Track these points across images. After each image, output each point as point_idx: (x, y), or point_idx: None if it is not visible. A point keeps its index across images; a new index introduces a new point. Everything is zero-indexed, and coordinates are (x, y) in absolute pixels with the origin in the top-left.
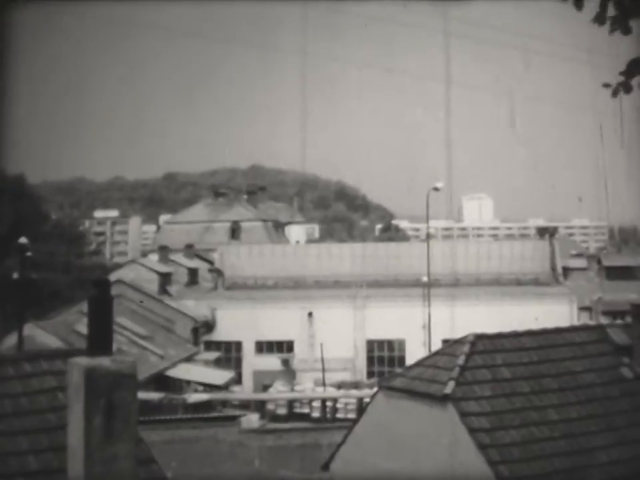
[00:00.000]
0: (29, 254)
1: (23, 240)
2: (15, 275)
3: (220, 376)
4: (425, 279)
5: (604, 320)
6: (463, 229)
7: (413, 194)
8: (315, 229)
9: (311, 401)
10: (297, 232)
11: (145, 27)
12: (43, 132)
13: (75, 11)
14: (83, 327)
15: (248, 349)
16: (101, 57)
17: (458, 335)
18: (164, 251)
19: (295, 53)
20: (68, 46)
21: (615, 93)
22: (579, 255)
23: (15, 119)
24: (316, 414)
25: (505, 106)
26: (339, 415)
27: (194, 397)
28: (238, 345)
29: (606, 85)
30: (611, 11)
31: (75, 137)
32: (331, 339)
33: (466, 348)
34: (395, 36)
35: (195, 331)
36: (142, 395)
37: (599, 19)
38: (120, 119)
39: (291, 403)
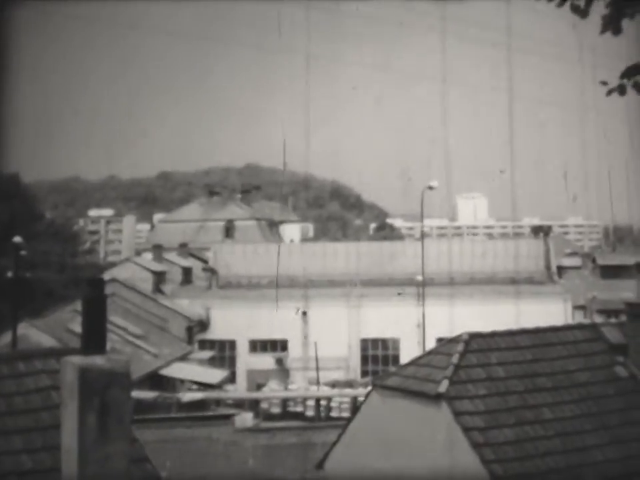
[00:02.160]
0: (23, 253)
1: (17, 239)
2: (9, 274)
3: (214, 375)
4: (419, 277)
5: (598, 319)
6: (458, 227)
7: (407, 193)
8: (310, 228)
9: (304, 399)
10: (291, 231)
11: (143, 27)
12: (38, 131)
13: (71, 10)
14: (77, 326)
15: (242, 348)
16: (97, 57)
17: (452, 333)
18: (158, 249)
19: (293, 52)
20: (63, 45)
21: (609, 94)
22: (573, 254)
23: (10, 118)
24: (310, 413)
25: (501, 105)
26: (333, 414)
27: (188, 396)
28: (232, 344)
29: (603, 83)
30: (602, 10)
31: (70, 135)
32: (325, 337)
33: (460, 347)
34: (393, 36)
35: (189, 330)
36: (136, 393)
37: (583, 12)
38: (115, 117)
39: (284, 402)
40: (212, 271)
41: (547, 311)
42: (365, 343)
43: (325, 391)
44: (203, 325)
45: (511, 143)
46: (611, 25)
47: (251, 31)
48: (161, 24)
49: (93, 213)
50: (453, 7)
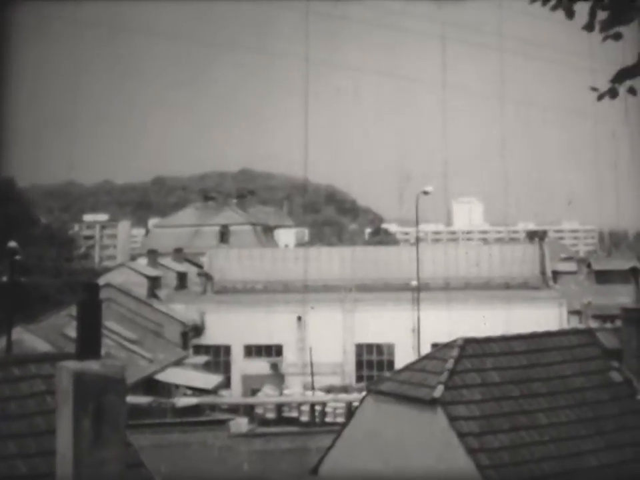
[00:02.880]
0: (18, 258)
1: (12, 244)
2: (4, 279)
3: (209, 380)
4: (414, 282)
5: (593, 324)
6: (453, 232)
7: (403, 197)
8: (305, 233)
9: (299, 405)
10: (286, 236)
11: (140, 31)
12: (33, 135)
13: (68, 14)
14: (72, 331)
15: (237, 353)
16: (94, 61)
17: (447, 338)
18: (153, 254)
19: (291, 56)
20: (60, 50)
21: (600, 98)
22: (568, 259)
23: (6, 122)
24: (305, 418)
25: (497, 110)
26: (328, 419)
27: (183, 401)
28: (227, 349)
29: (593, 89)
30: (602, 15)
31: (65, 140)
32: (320, 343)
33: (455, 352)
34: (392, 41)
35: (184, 335)
36: (131, 398)
37: (589, 26)
38: (110, 122)
39: (279, 407)
40: (207, 276)
41: (542, 316)
42: (359, 348)
43: (320, 396)
44: (198, 330)
45: (502, 147)
46: (609, 30)
47: (249, 34)
48: (158, 27)
49: (87, 217)
50: (453, 12)
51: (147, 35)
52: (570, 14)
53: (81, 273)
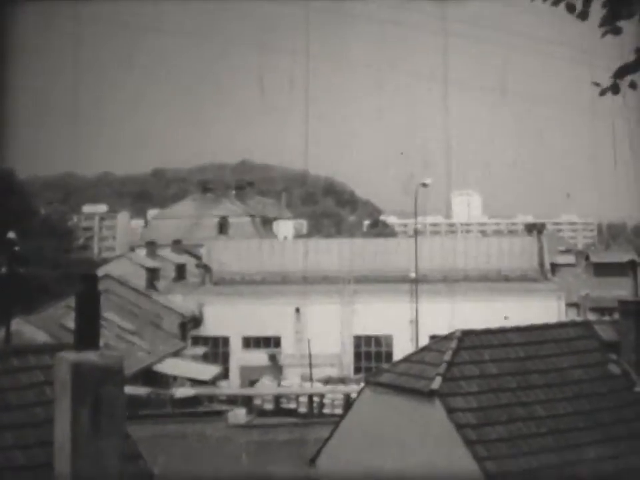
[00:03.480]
0: (17, 249)
1: (11, 235)
2: (3, 270)
3: (207, 371)
4: (412, 274)
5: (591, 316)
6: (451, 225)
7: (403, 189)
8: (303, 225)
9: (297, 396)
10: (284, 227)
11: (140, 25)
12: (33, 127)
13: (69, 10)
14: (70, 322)
15: (235, 344)
16: (94, 55)
17: (445, 330)
18: (152, 246)
19: (293, 50)
20: (61, 44)
21: (602, 93)
22: (567, 251)
23: (6, 115)
24: (303, 409)
25: (498, 103)
26: (326, 411)
27: (181, 392)
28: (225, 340)
29: (595, 84)
30: (597, 5)
31: (65, 132)
32: (318, 334)
33: (453, 344)
34: (394, 35)
35: (183, 326)
36: (129, 389)
37: (582, 14)
38: (110, 114)
39: (277, 399)
40: (205, 268)
41: (541, 309)
42: (358, 339)
43: (318, 387)
44: (197, 321)
45: (502, 141)
46: (608, 25)
47: (250, 29)
48: (158, 23)
49: (87, 209)
50: (455, 7)
51: (147, 30)
52: (571, 10)
53: (80, 264)
